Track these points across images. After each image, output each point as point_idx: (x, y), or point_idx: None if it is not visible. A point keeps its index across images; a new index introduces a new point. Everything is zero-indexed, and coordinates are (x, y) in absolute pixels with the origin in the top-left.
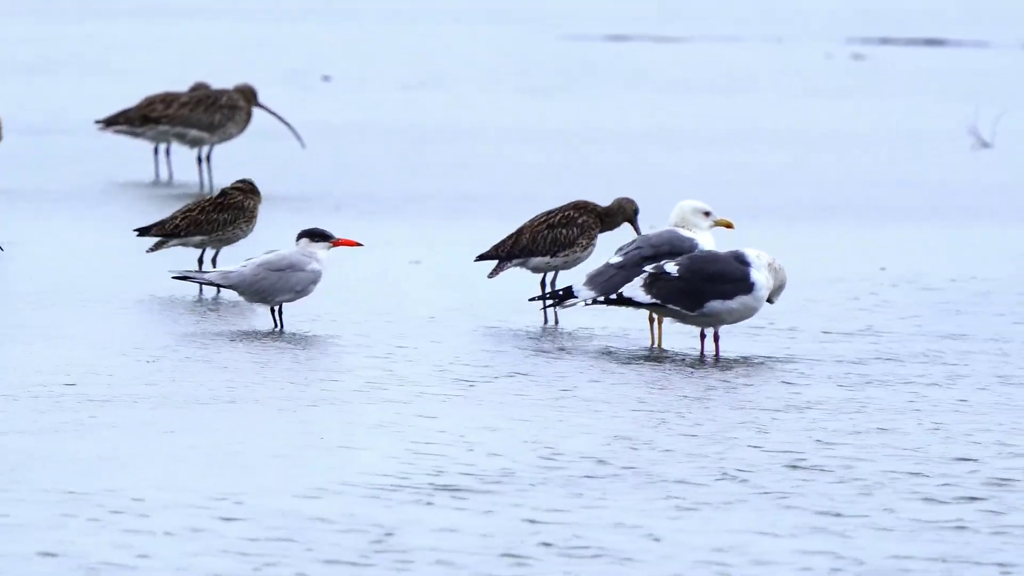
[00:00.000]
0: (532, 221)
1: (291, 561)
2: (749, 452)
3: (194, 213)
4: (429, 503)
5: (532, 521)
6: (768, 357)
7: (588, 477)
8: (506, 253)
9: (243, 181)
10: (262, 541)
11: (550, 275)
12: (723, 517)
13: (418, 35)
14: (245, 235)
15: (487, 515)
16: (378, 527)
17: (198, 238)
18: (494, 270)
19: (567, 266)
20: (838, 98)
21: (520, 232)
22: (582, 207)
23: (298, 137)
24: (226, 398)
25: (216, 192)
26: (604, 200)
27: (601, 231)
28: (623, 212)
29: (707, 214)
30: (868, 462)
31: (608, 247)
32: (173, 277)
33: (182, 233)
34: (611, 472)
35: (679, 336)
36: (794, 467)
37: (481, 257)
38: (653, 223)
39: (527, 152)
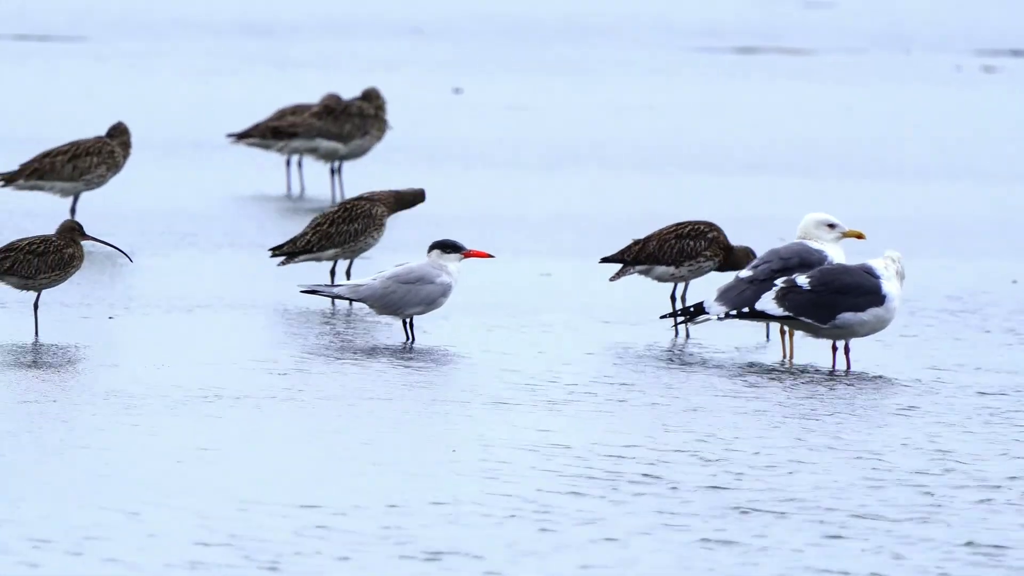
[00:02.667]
0: (662, 230)
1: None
2: (880, 470)
3: (324, 226)
4: (560, 515)
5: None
6: (896, 369)
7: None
8: (632, 258)
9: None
10: (414, 560)
11: (680, 289)
12: (850, 544)
13: (545, 48)
14: (375, 243)
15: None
16: (518, 535)
17: (331, 251)
18: (617, 274)
19: (692, 277)
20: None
21: (648, 239)
22: (715, 226)
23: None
24: (358, 411)
25: (336, 205)
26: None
27: (719, 266)
28: (742, 259)
29: (832, 226)
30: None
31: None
32: (302, 291)
33: (314, 248)
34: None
35: (812, 349)
36: (925, 489)
37: (606, 260)
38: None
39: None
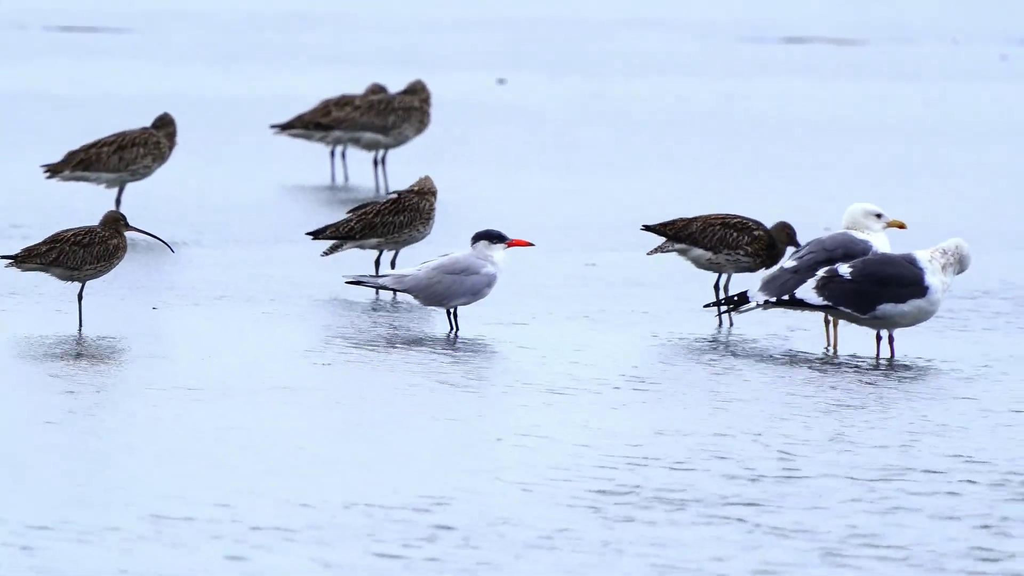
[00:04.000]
0: (711, 215)
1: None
2: (937, 461)
3: (369, 216)
4: (596, 508)
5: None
6: (944, 360)
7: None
8: (673, 233)
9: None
10: (468, 548)
11: (723, 280)
12: (893, 530)
13: (598, 40)
14: (423, 237)
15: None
16: (557, 525)
17: (374, 240)
18: (655, 248)
19: (728, 268)
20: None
21: (694, 219)
22: (763, 226)
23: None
24: (401, 402)
25: (385, 196)
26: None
27: (757, 266)
28: (782, 238)
29: (879, 216)
30: None
31: None
32: (347, 282)
33: (357, 236)
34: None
35: (855, 337)
36: (970, 479)
37: (647, 228)
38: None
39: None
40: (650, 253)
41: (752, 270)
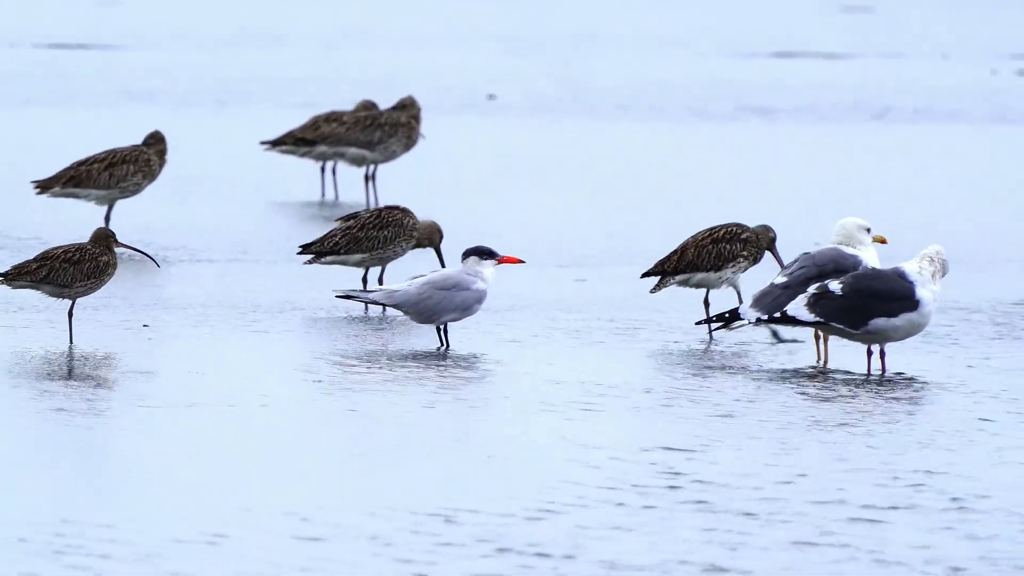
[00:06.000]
0: (695, 237)
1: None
2: (929, 478)
3: (354, 231)
4: (587, 520)
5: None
6: (936, 373)
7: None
8: (671, 269)
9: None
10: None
11: (711, 295)
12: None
13: (592, 58)
14: (404, 253)
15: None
16: (547, 540)
17: (357, 256)
18: (657, 286)
19: (734, 280)
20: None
21: (684, 248)
22: (745, 227)
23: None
24: (392, 418)
25: (370, 212)
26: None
27: (756, 259)
28: (763, 240)
29: (868, 230)
30: None
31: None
32: (337, 296)
33: (341, 250)
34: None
35: (846, 352)
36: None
37: (646, 274)
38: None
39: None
40: (653, 291)
41: (744, 271)
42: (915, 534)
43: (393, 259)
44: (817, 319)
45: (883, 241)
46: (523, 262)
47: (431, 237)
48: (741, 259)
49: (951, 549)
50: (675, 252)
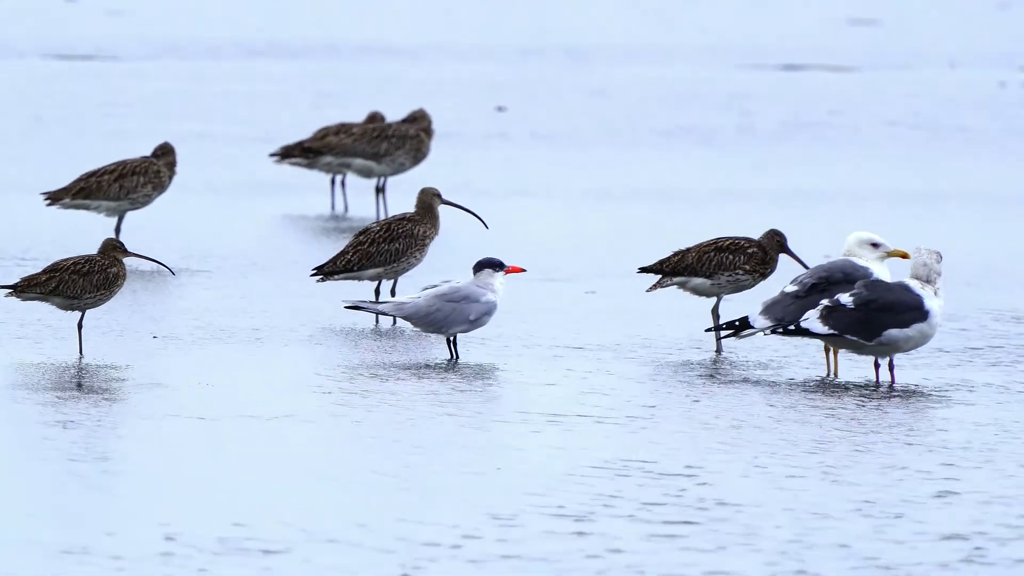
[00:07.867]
0: (703, 243)
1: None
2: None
3: (365, 246)
4: (599, 532)
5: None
6: (943, 384)
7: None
8: (670, 269)
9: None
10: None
11: (720, 303)
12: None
13: (595, 71)
14: (418, 263)
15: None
16: (548, 550)
17: (372, 271)
18: (654, 285)
19: (728, 290)
20: None
21: (687, 251)
22: (756, 243)
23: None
24: (402, 430)
25: (379, 224)
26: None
27: (760, 276)
28: (773, 246)
29: (875, 245)
30: None
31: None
32: (346, 307)
33: (355, 267)
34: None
35: (855, 366)
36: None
37: (644, 270)
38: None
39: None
40: (649, 290)
41: (750, 287)
42: (927, 550)
43: (408, 270)
44: (831, 332)
45: (904, 255)
46: (525, 271)
47: (430, 204)
48: (741, 271)
49: (962, 566)
50: (678, 253)
